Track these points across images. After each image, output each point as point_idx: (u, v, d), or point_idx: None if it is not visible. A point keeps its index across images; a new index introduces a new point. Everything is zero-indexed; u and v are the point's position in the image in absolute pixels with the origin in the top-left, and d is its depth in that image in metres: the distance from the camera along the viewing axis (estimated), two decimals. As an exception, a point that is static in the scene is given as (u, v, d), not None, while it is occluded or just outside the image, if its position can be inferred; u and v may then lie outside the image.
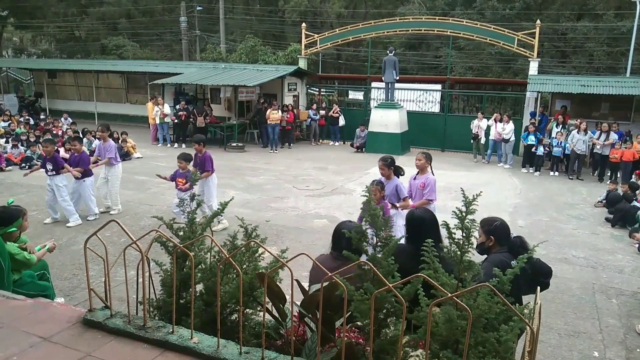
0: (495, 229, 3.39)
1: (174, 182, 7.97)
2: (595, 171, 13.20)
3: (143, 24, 35.56)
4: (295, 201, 9.97)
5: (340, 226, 3.35)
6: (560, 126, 13.67)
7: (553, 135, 13.77)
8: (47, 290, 4.55)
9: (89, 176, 8.38)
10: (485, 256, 3.45)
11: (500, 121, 14.58)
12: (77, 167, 8.20)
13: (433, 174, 6.36)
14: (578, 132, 13.27)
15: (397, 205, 5.95)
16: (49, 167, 7.97)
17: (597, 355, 4.80)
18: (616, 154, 12.61)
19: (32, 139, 14.32)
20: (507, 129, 14.35)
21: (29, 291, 4.19)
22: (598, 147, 13.00)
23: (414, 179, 6.40)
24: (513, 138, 14.43)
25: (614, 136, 13.08)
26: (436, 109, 18.14)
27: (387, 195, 5.85)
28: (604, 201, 10.24)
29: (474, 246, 2.35)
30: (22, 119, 17.40)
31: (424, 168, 6.32)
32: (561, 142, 13.50)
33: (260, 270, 2.47)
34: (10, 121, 16.59)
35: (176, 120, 16.58)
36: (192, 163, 8.08)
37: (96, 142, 13.17)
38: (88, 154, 9.22)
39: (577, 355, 4.79)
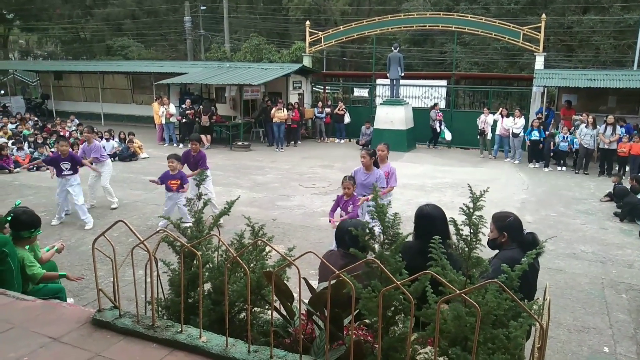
0: (508, 225, 3.34)
1: (164, 185, 7.83)
2: (602, 166, 13.06)
3: (147, 24, 35.67)
4: (302, 199, 9.98)
5: (342, 224, 3.35)
6: (590, 127, 12.96)
7: (576, 134, 13.26)
8: (60, 292, 4.50)
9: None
10: (496, 251, 3.43)
11: (509, 116, 14.49)
12: None
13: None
14: (586, 127, 13.09)
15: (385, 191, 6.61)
16: (66, 166, 7.92)
17: (607, 351, 4.76)
18: (624, 148, 12.50)
19: (39, 141, 14.40)
20: (518, 124, 14.24)
21: (45, 295, 4.19)
22: (605, 143, 12.83)
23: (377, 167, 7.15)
24: (522, 133, 14.34)
25: (620, 130, 12.93)
26: (442, 105, 18.07)
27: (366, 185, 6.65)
28: (611, 195, 10.15)
29: (482, 242, 2.33)
30: (30, 121, 17.54)
31: (385, 158, 7.02)
32: (567, 136, 13.39)
33: (267, 269, 2.47)
34: (18, 123, 16.72)
35: (183, 120, 16.63)
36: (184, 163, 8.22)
37: (104, 142, 13.29)
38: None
39: (587, 350, 4.76)
